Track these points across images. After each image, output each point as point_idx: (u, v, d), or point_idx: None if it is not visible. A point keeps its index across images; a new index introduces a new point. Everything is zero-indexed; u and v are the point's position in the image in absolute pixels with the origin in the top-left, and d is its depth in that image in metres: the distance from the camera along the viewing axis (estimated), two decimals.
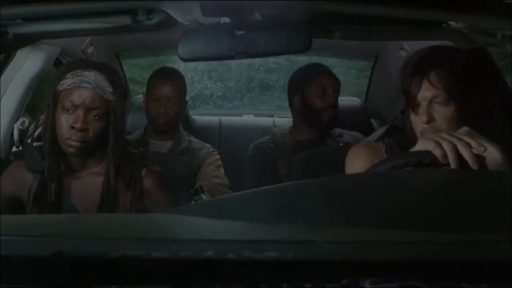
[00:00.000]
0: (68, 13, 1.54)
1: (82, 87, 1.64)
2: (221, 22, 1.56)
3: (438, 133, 1.45)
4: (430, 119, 1.52)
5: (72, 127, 1.64)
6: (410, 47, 2.63)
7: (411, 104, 1.56)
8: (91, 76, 1.65)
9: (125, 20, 1.52)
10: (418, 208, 0.89)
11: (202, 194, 1.72)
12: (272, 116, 3.55)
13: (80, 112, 1.64)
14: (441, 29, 1.75)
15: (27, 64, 2.35)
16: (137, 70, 4.52)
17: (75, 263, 0.69)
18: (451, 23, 1.70)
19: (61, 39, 2.30)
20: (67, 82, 1.66)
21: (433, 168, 1.31)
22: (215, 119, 3.46)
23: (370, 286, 0.64)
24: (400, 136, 1.69)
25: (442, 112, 1.51)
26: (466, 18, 1.53)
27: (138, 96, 3.17)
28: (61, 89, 1.66)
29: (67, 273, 0.69)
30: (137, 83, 4.29)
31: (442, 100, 1.51)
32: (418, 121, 1.55)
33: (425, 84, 1.51)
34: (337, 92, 2.59)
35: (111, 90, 1.67)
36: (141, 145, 2.51)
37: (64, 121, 1.65)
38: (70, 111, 1.65)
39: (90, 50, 2.75)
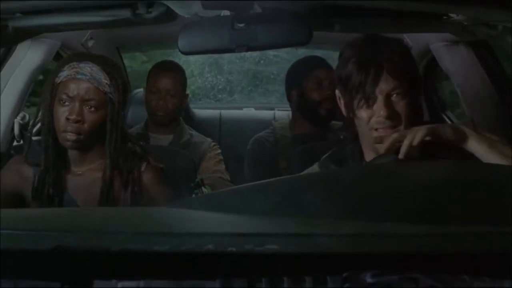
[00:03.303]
0: (68, 7, 1.53)
1: (77, 79, 1.64)
2: (221, 15, 1.55)
3: (394, 127, 1.45)
4: (391, 114, 1.45)
5: (68, 119, 1.64)
6: (411, 39, 2.63)
7: (364, 100, 1.48)
8: (87, 68, 1.65)
9: (125, 13, 1.52)
10: (419, 201, 0.89)
11: (203, 188, 1.72)
12: (272, 109, 3.54)
13: (76, 104, 1.64)
14: (442, 21, 1.74)
15: (28, 58, 2.35)
16: None
17: (76, 257, 0.69)
18: (451, 15, 1.69)
19: (62, 33, 2.29)
20: (64, 74, 1.66)
21: (434, 160, 1.31)
22: (216, 112, 3.46)
23: (371, 279, 0.64)
24: (335, 151, 1.64)
25: (400, 105, 1.46)
26: (467, 10, 1.53)
27: (139, 90, 3.17)
28: (58, 82, 1.67)
29: (67, 267, 0.69)
30: None
31: (401, 91, 1.46)
32: (369, 118, 1.48)
33: (384, 74, 1.45)
34: (334, 84, 2.57)
35: (108, 82, 1.67)
36: (142, 139, 2.52)
37: (61, 113, 1.65)
38: (66, 103, 1.65)
39: (90, 43, 2.74)
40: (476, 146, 1.35)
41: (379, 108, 1.46)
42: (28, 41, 2.24)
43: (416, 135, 1.35)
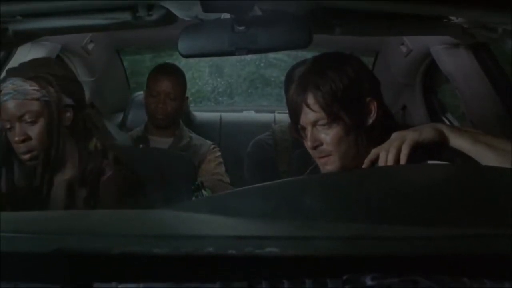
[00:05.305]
0: (69, 10, 1.53)
1: (5, 101, 1.62)
2: (222, 18, 1.56)
3: (327, 156, 1.44)
4: (317, 144, 1.44)
5: (15, 142, 1.62)
6: (411, 42, 2.63)
7: (298, 126, 1.49)
8: (8, 86, 1.62)
9: (126, 16, 1.52)
10: (418, 204, 0.89)
11: (203, 190, 1.72)
12: (273, 112, 3.54)
13: (15, 125, 1.62)
14: (442, 24, 1.75)
15: None
16: None
17: (76, 259, 0.69)
18: (451, 18, 1.69)
19: (62, 36, 2.29)
20: None
21: (434, 164, 1.31)
22: (216, 115, 3.46)
23: (371, 281, 0.64)
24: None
25: (328, 134, 1.43)
26: (467, 13, 1.53)
27: (139, 92, 3.17)
28: None
29: (67, 270, 0.69)
30: None
31: (325, 122, 1.43)
32: (307, 145, 1.48)
33: (304, 108, 1.44)
34: None
35: (35, 87, 1.62)
36: (142, 142, 2.52)
37: (11, 137, 1.63)
38: (10, 127, 1.63)
39: (90, 46, 2.74)
40: (459, 142, 1.32)
41: (307, 138, 1.46)
42: (28, 44, 2.24)
43: (402, 153, 1.31)
